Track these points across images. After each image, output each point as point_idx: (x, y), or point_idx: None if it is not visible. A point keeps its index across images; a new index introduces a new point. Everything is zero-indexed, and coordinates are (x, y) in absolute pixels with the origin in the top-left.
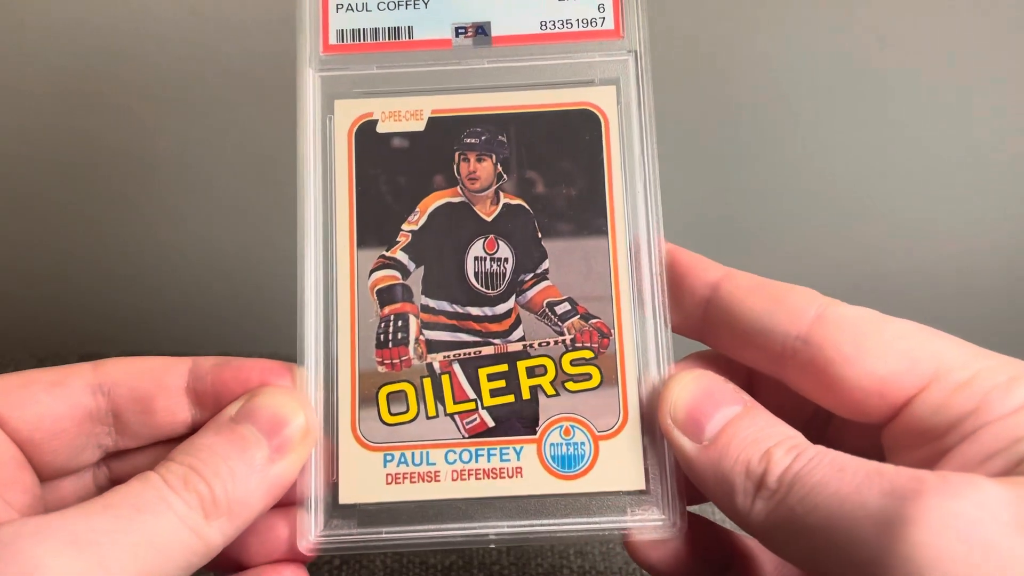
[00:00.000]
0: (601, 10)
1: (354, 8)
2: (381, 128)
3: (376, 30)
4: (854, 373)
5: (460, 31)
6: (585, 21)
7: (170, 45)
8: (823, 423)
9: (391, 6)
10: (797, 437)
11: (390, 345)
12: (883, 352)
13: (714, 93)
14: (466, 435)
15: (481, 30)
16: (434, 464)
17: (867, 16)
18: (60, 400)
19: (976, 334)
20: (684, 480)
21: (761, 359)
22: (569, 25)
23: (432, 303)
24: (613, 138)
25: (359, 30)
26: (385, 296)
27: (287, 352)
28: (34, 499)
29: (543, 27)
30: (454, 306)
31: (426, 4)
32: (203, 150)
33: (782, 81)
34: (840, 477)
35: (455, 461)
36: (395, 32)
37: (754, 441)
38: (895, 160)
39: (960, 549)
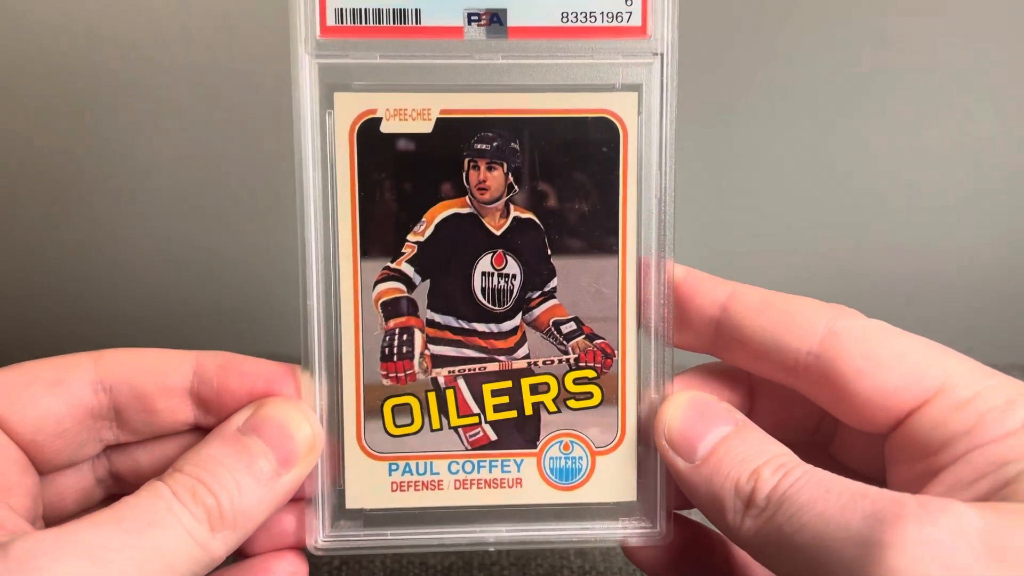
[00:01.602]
0: (628, 3)
1: None
2: (385, 128)
3: (380, 11)
4: (863, 387)
5: (473, 18)
6: (610, 15)
7: (163, 41)
8: (830, 431)
9: None
10: (786, 455)
11: (395, 359)
12: (891, 365)
13: (720, 94)
14: (469, 447)
15: (496, 18)
16: (437, 474)
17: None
18: (61, 399)
19: (981, 339)
20: (672, 492)
21: (775, 372)
22: (592, 19)
23: (438, 318)
24: (631, 151)
25: (360, 11)
26: (390, 309)
27: (287, 351)
28: (35, 500)
29: (564, 19)
30: (460, 322)
31: None
32: (201, 146)
33: (791, 85)
34: (826, 498)
35: (458, 471)
36: (400, 15)
37: (743, 460)
38: (912, 165)
39: (933, 575)
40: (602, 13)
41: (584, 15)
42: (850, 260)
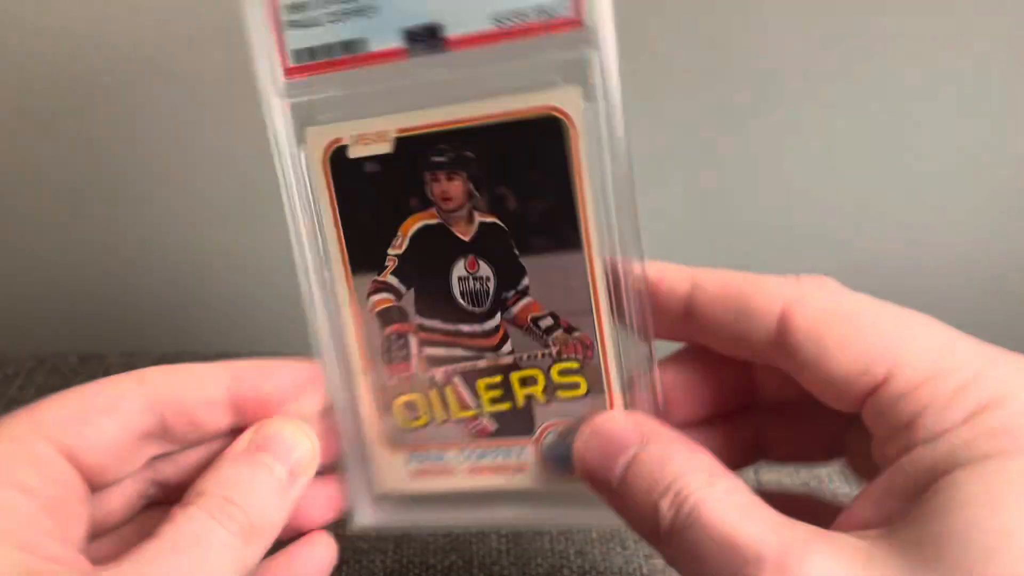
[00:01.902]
0: None
1: (304, 24)
2: (352, 153)
3: (330, 46)
4: (817, 375)
5: (414, 36)
6: (540, 10)
7: (171, 46)
8: None
9: (340, 16)
10: (681, 479)
11: (394, 362)
12: (839, 353)
13: (698, 86)
14: (474, 437)
15: (433, 34)
16: (449, 461)
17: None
18: (119, 424)
19: (981, 338)
20: None
21: (747, 355)
22: (524, 17)
23: (427, 322)
24: (581, 144)
25: (314, 48)
26: (384, 318)
27: (288, 351)
28: (89, 524)
29: (497, 22)
30: (446, 324)
31: (376, 10)
32: (204, 147)
33: (772, 76)
34: (709, 545)
35: (467, 459)
36: (349, 46)
37: (647, 490)
38: (890, 162)
39: None
40: (532, 9)
41: (515, 14)
42: (848, 260)
